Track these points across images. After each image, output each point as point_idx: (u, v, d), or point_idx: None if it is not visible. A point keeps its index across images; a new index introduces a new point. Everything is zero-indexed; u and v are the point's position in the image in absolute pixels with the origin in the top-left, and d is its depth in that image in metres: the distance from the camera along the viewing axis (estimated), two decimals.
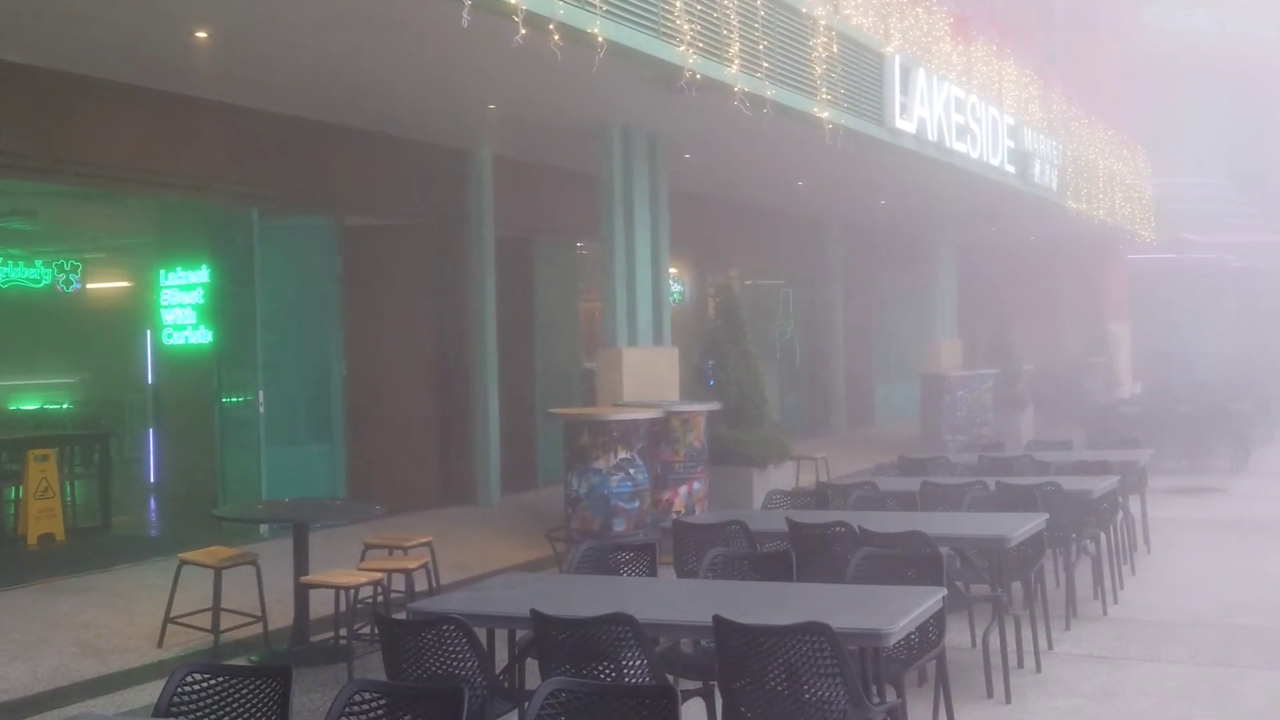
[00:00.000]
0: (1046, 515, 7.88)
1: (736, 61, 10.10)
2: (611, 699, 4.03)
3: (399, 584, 8.15)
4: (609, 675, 4.97)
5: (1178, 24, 31.91)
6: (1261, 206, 33.67)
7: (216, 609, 7.78)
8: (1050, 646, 7.66)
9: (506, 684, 5.42)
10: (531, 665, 5.41)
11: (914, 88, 13.71)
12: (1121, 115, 24.83)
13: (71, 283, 18.07)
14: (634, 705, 3.98)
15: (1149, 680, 7.10)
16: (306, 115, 11.68)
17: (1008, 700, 6.67)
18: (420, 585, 8.31)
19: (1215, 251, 31.90)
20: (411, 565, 8.11)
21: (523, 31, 7.66)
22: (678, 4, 9.32)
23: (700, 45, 9.61)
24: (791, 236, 21.33)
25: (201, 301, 13.37)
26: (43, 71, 9.59)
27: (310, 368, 12.44)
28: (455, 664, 5.04)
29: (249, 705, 4.19)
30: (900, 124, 13.37)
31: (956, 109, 14.95)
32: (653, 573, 6.51)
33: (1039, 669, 7.24)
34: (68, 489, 12.24)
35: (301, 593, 7.86)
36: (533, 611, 5.02)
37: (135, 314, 16.54)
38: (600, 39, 8.40)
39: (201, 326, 13.36)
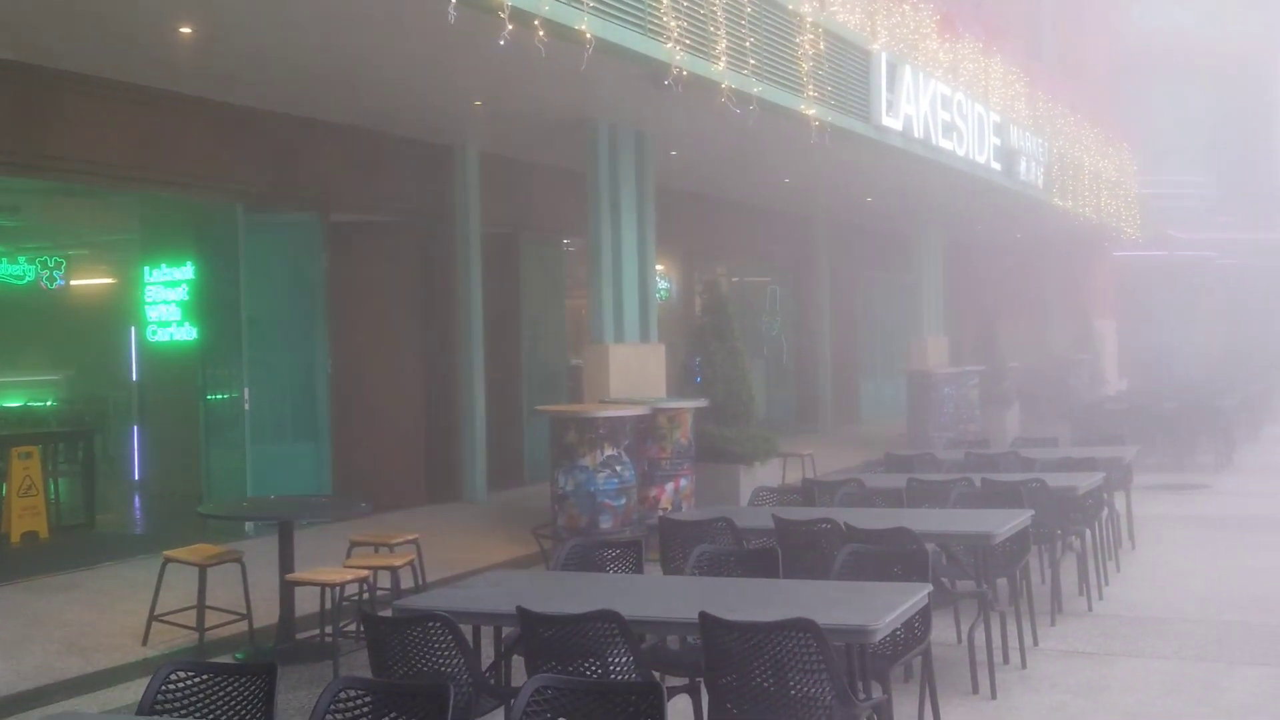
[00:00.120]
0: (1032, 512, 7.89)
1: (723, 58, 10.10)
2: (597, 696, 4.02)
3: (385, 581, 8.12)
4: (595, 672, 4.97)
5: (1162, 22, 32.01)
6: (1246, 204, 33.80)
7: (201, 607, 7.75)
8: (1035, 642, 7.68)
9: (492, 681, 5.41)
10: (517, 662, 5.39)
11: (900, 85, 13.73)
12: (1107, 113, 24.91)
13: (55, 279, 18.02)
14: (620, 702, 3.97)
15: (1134, 676, 7.12)
16: (292, 111, 11.64)
17: (993, 696, 6.68)
18: (406, 583, 8.28)
19: (1200, 249, 32.03)
20: (397, 563, 8.09)
21: (509, 28, 7.65)
22: (665, 1, 9.32)
23: (687, 42, 9.60)
24: (778, 233, 21.35)
25: (186, 298, 13.33)
26: (26, 67, 9.54)
27: (296, 365, 12.40)
28: (441, 661, 5.03)
29: (233, 703, 4.17)
30: (887, 121, 13.38)
31: (943, 106, 14.97)
32: (639, 570, 6.50)
33: (1024, 665, 7.25)
34: (52, 487, 12.20)
35: (287, 590, 7.83)
36: (519, 608, 5.01)
37: (120, 311, 16.50)
38: (587, 35, 8.39)
39: (186, 323, 13.32)
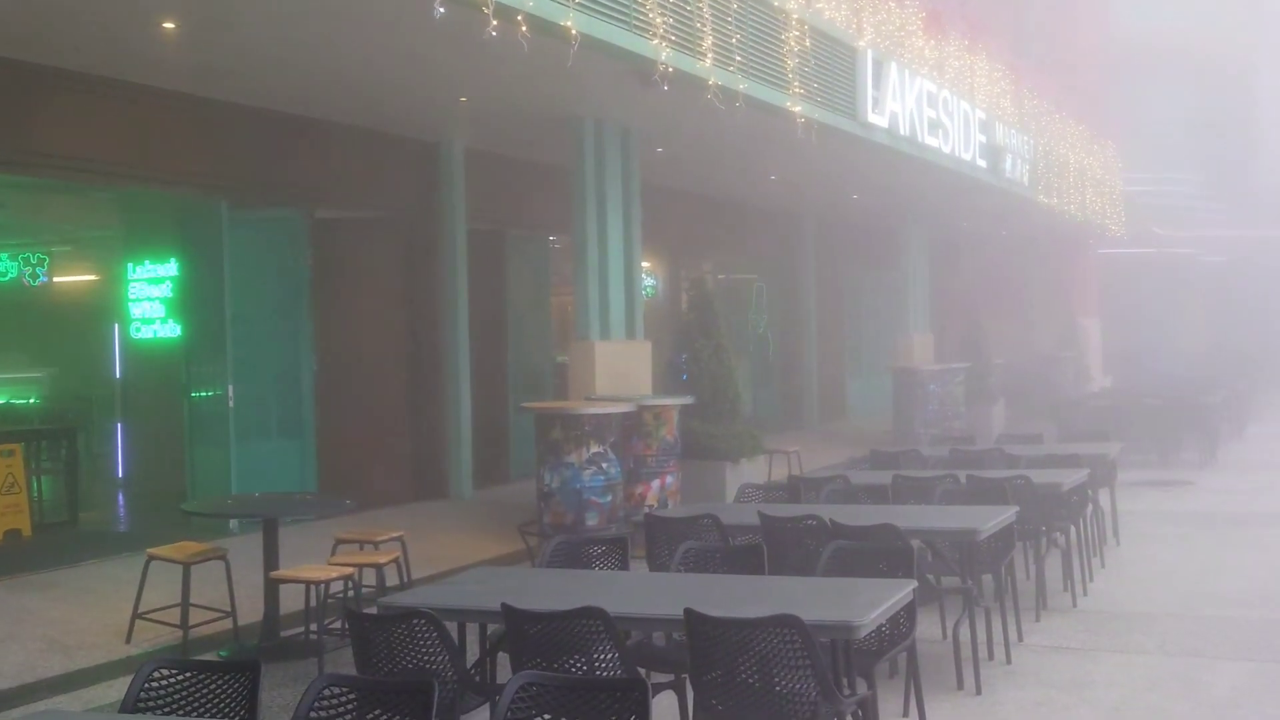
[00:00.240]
0: (1017, 508, 7.91)
1: (709, 55, 10.09)
2: (583, 692, 4.02)
3: (370, 579, 8.11)
4: (580, 669, 4.96)
5: (1147, 19, 32.10)
6: (1230, 201, 33.95)
7: (185, 605, 7.71)
8: (1020, 638, 7.70)
9: (478, 678, 5.40)
10: (503, 659, 5.39)
11: (886, 82, 13.74)
12: (1092, 110, 24.98)
13: (38, 276, 17.91)
14: (605, 698, 3.96)
15: (1118, 671, 7.14)
16: (276, 107, 11.59)
17: (978, 692, 6.70)
18: (391, 580, 8.27)
19: (1185, 246, 32.16)
20: (382, 560, 8.08)
21: (494, 24, 7.63)
22: None
23: (673, 38, 9.59)
24: (765, 230, 21.36)
25: (170, 295, 13.27)
26: (8, 62, 9.47)
27: (280, 362, 12.36)
28: (426, 658, 5.01)
29: (217, 701, 4.15)
30: (873, 118, 13.40)
31: (929, 103, 14.99)
32: (625, 566, 6.50)
33: (1009, 660, 7.27)
34: (34, 484, 12.13)
35: (271, 588, 7.80)
36: (504, 605, 5.00)
37: (103, 307, 16.39)
38: (573, 32, 8.37)
39: (170, 320, 13.26)
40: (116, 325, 15.00)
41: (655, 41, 9.35)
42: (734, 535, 7.24)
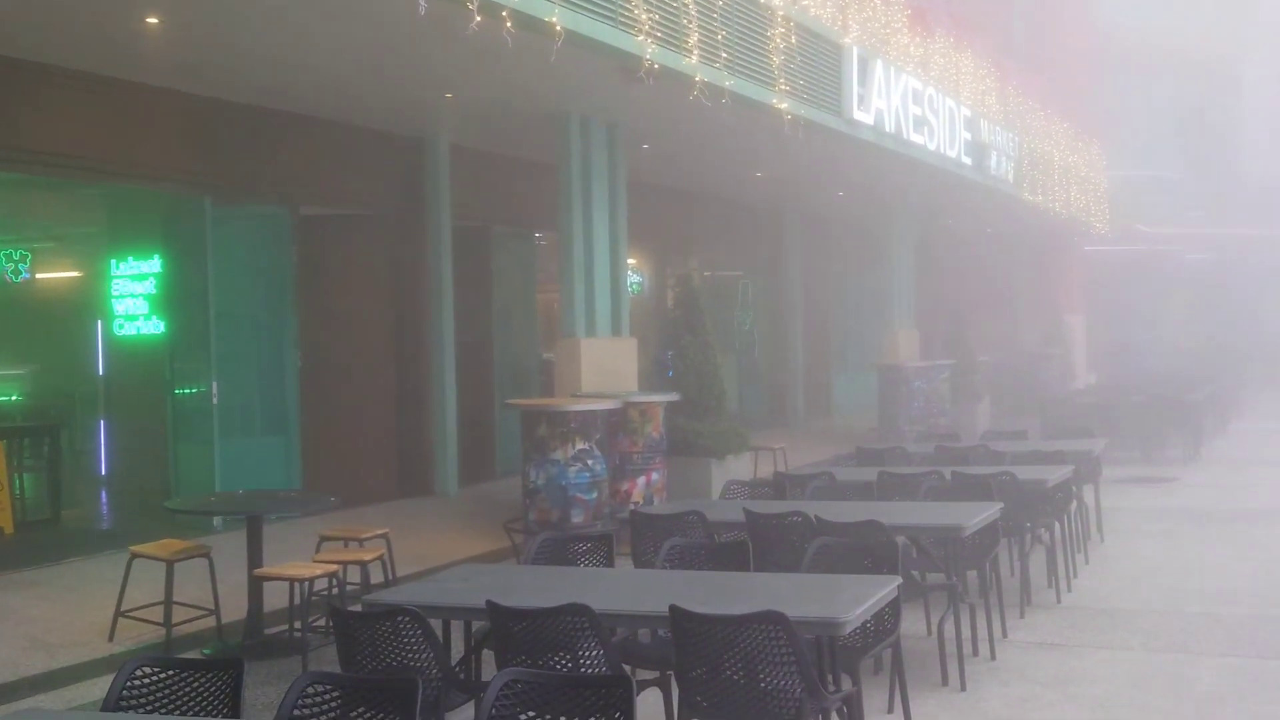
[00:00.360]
0: (1001, 504, 7.92)
1: (695, 52, 10.08)
2: (567, 689, 4.01)
3: (354, 576, 8.08)
4: (565, 666, 4.95)
5: (1132, 17, 32.19)
6: (1214, 199, 34.07)
7: (168, 602, 7.68)
8: (1005, 634, 7.72)
9: (462, 675, 5.39)
10: (488, 656, 5.37)
11: (872, 79, 13.75)
12: (1077, 108, 25.05)
13: (20, 272, 17.80)
14: (590, 695, 3.96)
15: (1102, 667, 7.16)
16: (260, 103, 11.55)
17: (962, 688, 6.71)
18: (376, 577, 8.25)
19: (1169, 243, 32.28)
20: (367, 557, 8.05)
21: (478, 19, 7.60)
22: None
23: (659, 35, 9.58)
24: (750, 227, 21.37)
25: (154, 291, 13.19)
26: None
27: (265, 358, 12.32)
28: (410, 656, 5.00)
29: (200, 698, 4.13)
30: (858, 115, 13.41)
31: (914, 101, 15.01)
32: (610, 563, 6.49)
33: (993, 657, 7.28)
34: (17, 481, 12.06)
35: (255, 585, 7.78)
36: (488, 602, 4.99)
37: (86, 304, 16.31)
38: (558, 28, 8.35)
39: (154, 317, 13.18)
40: (100, 322, 14.92)
41: (641, 38, 9.34)
42: (719, 532, 7.24)
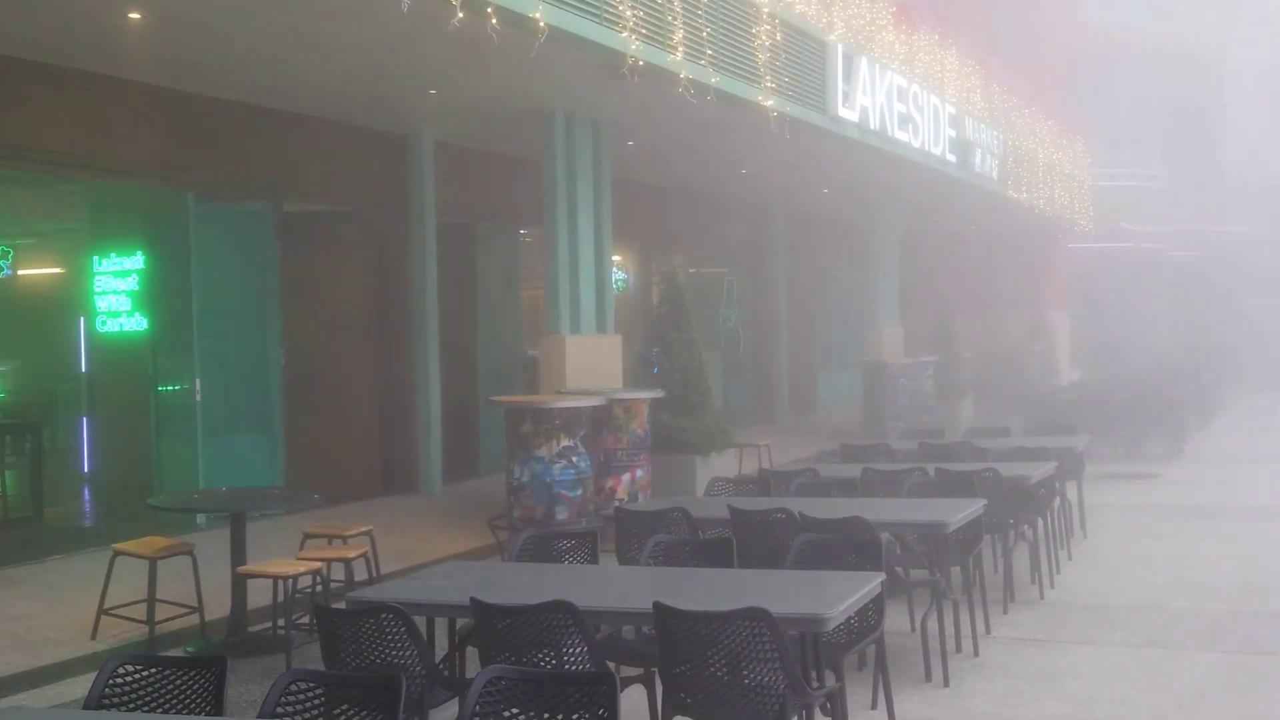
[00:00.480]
0: (985, 501, 7.94)
1: (680, 48, 10.07)
2: (551, 686, 4.01)
3: (338, 574, 8.07)
4: (549, 663, 4.95)
5: (1116, 15, 32.28)
6: (1198, 196, 34.20)
7: (152, 600, 7.65)
8: (988, 631, 7.74)
9: (446, 673, 5.38)
10: (472, 654, 5.37)
11: (857, 76, 13.77)
12: (1061, 105, 25.12)
13: (2, 269, 17.70)
14: (574, 692, 3.96)
15: (1085, 663, 7.19)
16: (243, 99, 11.51)
17: (946, 684, 6.73)
18: (360, 575, 8.24)
19: (1153, 241, 32.39)
20: (351, 554, 8.04)
21: (461, 15, 7.59)
22: None
23: (643, 31, 9.57)
24: (735, 224, 21.37)
25: (136, 288, 13.16)
26: None
27: (248, 355, 12.27)
28: (394, 653, 4.99)
29: (183, 696, 4.11)
30: (843, 112, 13.42)
31: (899, 98, 15.03)
32: (594, 560, 6.49)
33: (977, 653, 7.31)
34: None
35: (239, 583, 7.75)
36: (472, 600, 4.98)
37: (68, 301, 16.22)
38: (541, 24, 8.33)
39: (136, 313, 13.15)
40: (82, 319, 14.85)
41: (625, 34, 9.33)
42: (704, 529, 7.25)
